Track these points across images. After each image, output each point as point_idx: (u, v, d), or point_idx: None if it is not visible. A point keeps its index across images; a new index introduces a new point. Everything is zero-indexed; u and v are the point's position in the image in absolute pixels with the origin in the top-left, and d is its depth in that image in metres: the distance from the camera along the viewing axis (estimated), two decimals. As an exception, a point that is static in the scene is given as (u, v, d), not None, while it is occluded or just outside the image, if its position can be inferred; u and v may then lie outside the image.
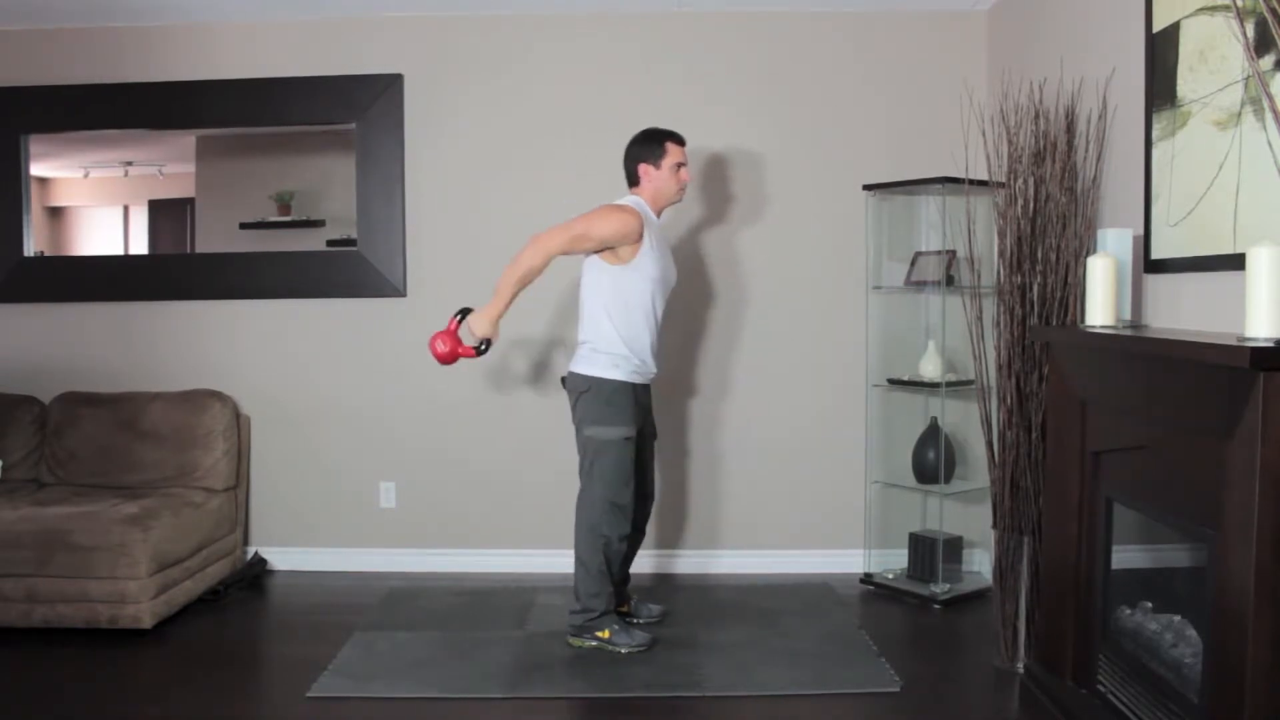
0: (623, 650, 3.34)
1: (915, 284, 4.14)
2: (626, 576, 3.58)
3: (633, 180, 3.45)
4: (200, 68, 4.30)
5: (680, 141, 3.45)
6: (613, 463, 3.33)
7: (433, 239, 4.34)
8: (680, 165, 3.43)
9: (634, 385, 3.38)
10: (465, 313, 3.43)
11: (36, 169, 4.47)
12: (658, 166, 3.40)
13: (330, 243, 4.44)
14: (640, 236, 3.30)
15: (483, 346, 3.41)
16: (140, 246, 4.64)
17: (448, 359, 3.37)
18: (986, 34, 4.23)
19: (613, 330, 3.32)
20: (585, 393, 3.34)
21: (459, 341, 3.38)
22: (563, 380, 3.47)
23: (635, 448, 3.40)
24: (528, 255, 3.27)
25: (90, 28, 4.31)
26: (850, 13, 4.23)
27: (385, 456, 4.39)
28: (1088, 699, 2.64)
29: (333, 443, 4.40)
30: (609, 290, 3.33)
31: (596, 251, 3.32)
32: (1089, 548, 2.71)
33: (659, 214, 3.47)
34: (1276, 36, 2.22)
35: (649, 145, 3.42)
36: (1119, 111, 3.04)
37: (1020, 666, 3.14)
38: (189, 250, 4.50)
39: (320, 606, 3.93)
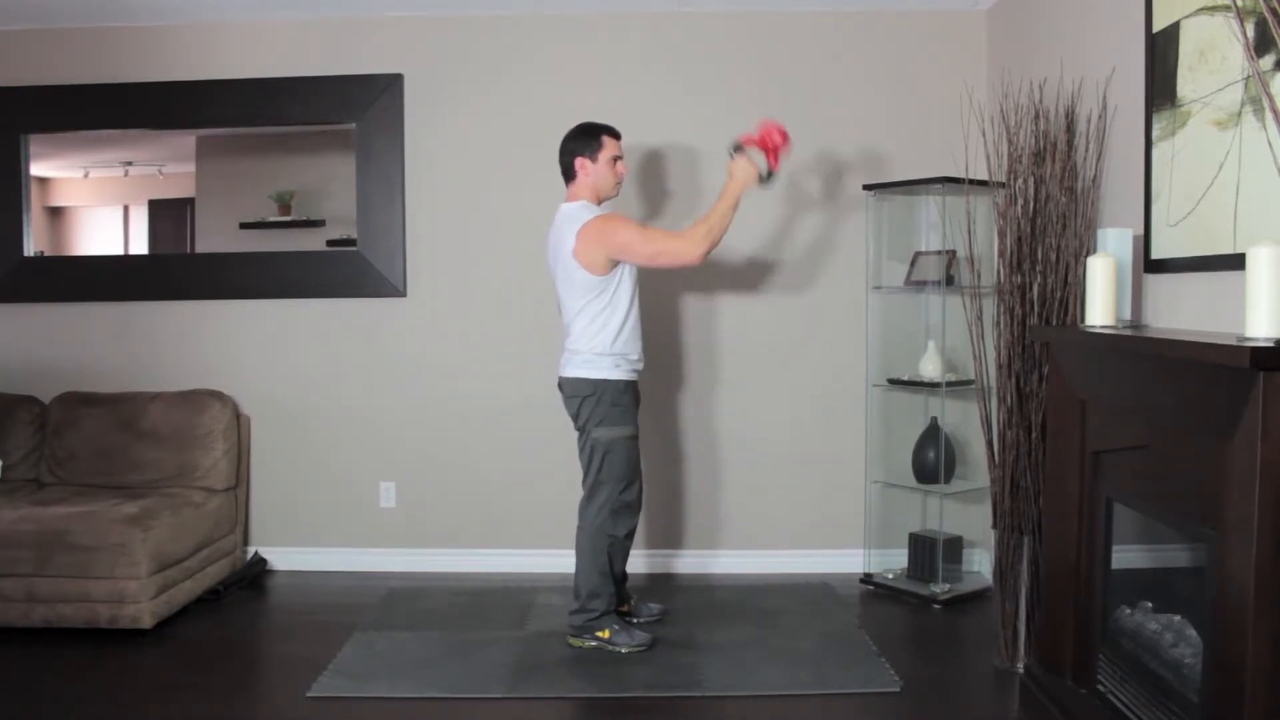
0: (623, 650, 3.34)
1: (915, 284, 4.14)
2: (624, 575, 3.58)
3: (569, 174, 3.44)
4: (200, 68, 4.30)
5: (616, 135, 3.45)
6: (620, 462, 3.36)
7: (433, 239, 4.34)
8: (617, 159, 3.43)
9: (633, 384, 3.41)
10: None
11: (36, 169, 4.47)
12: (594, 160, 3.40)
13: (330, 243, 4.44)
14: None
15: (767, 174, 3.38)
16: (140, 246, 4.64)
17: (780, 139, 3.35)
18: (986, 34, 4.23)
19: (611, 335, 3.34)
20: (589, 396, 3.35)
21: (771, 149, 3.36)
22: (559, 385, 3.46)
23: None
24: (697, 234, 3.30)
25: (90, 28, 4.31)
26: (850, 13, 4.23)
27: (385, 456, 4.39)
28: (1088, 699, 2.64)
29: (333, 443, 4.39)
30: (604, 298, 3.33)
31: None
32: (1089, 548, 2.71)
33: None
34: (1276, 36, 2.22)
35: (585, 139, 3.41)
36: (1119, 111, 3.04)
37: (1020, 666, 3.14)
38: (189, 250, 4.50)
39: (320, 606, 3.93)
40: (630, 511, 3.42)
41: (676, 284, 4.28)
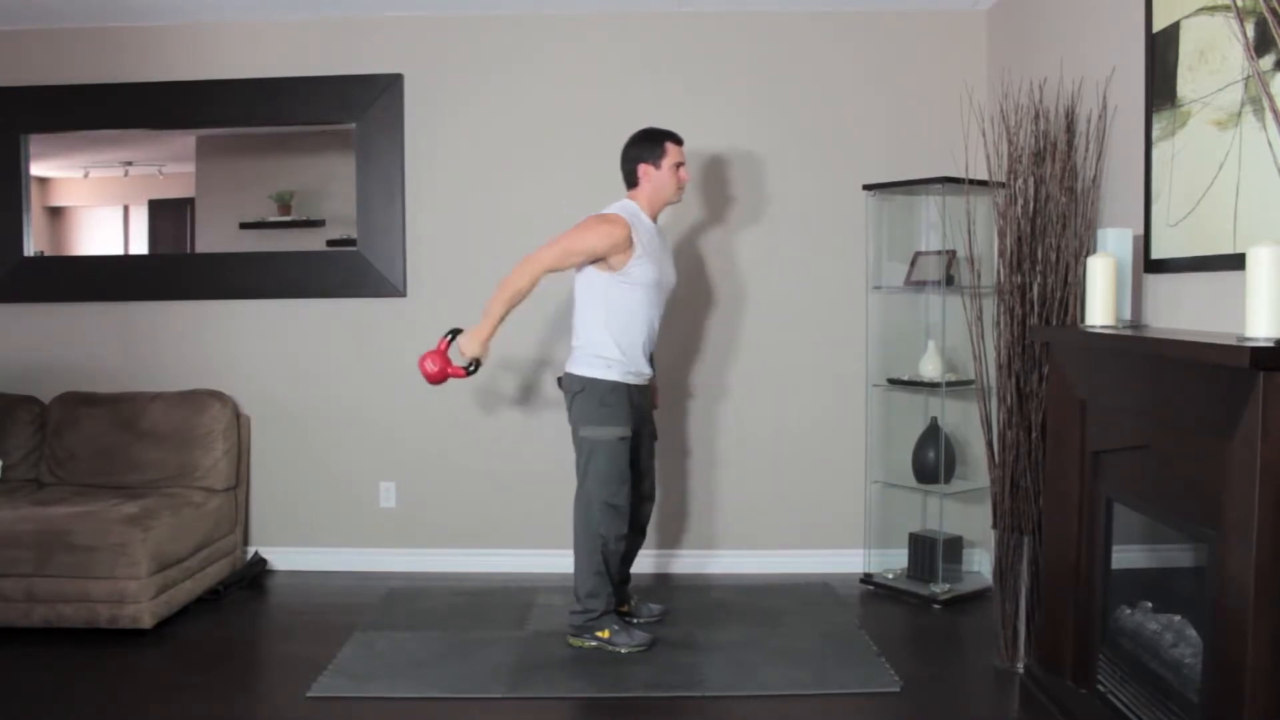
0: (623, 650, 3.34)
1: (915, 284, 4.14)
2: (627, 576, 3.58)
3: (631, 181, 3.45)
4: (200, 68, 4.30)
5: (679, 141, 3.45)
6: (607, 463, 3.33)
7: (433, 239, 4.34)
8: (679, 165, 3.43)
9: (628, 386, 3.39)
10: (455, 333, 3.43)
11: (36, 169, 4.47)
12: (658, 166, 3.40)
13: (330, 243, 4.44)
14: (630, 244, 3.30)
15: (471, 367, 3.38)
16: (140, 246, 4.64)
17: (437, 378, 3.38)
18: (986, 34, 4.23)
19: (607, 335, 3.33)
20: (580, 393, 3.35)
21: (448, 361, 3.37)
22: (559, 380, 3.47)
23: (632, 448, 3.40)
24: (516, 276, 3.28)
25: (90, 28, 4.31)
26: (850, 13, 4.23)
27: (385, 456, 4.39)
28: (1088, 699, 2.64)
29: (333, 443, 4.39)
30: (602, 297, 3.34)
31: (588, 263, 3.33)
32: (1089, 548, 2.71)
33: (656, 215, 3.46)
34: (1276, 36, 2.22)
35: (648, 145, 3.41)
36: (1119, 111, 3.04)
37: (1020, 666, 3.14)
38: (189, 250, 4.50)
39: (320, 606, 3.93)
40: (617, 514, 3.36)
41: (678, 285, 4.27)
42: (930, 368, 4.04)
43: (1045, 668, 2.86)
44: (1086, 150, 3.13)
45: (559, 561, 4.01)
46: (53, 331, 4.42)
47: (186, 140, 4.49)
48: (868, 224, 4.23)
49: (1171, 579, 2.48)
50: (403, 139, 4.28)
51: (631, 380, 3.40)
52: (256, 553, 4.38)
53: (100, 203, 4.69)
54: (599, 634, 3.37)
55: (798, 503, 4.33)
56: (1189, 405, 2.16)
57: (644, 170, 3.41)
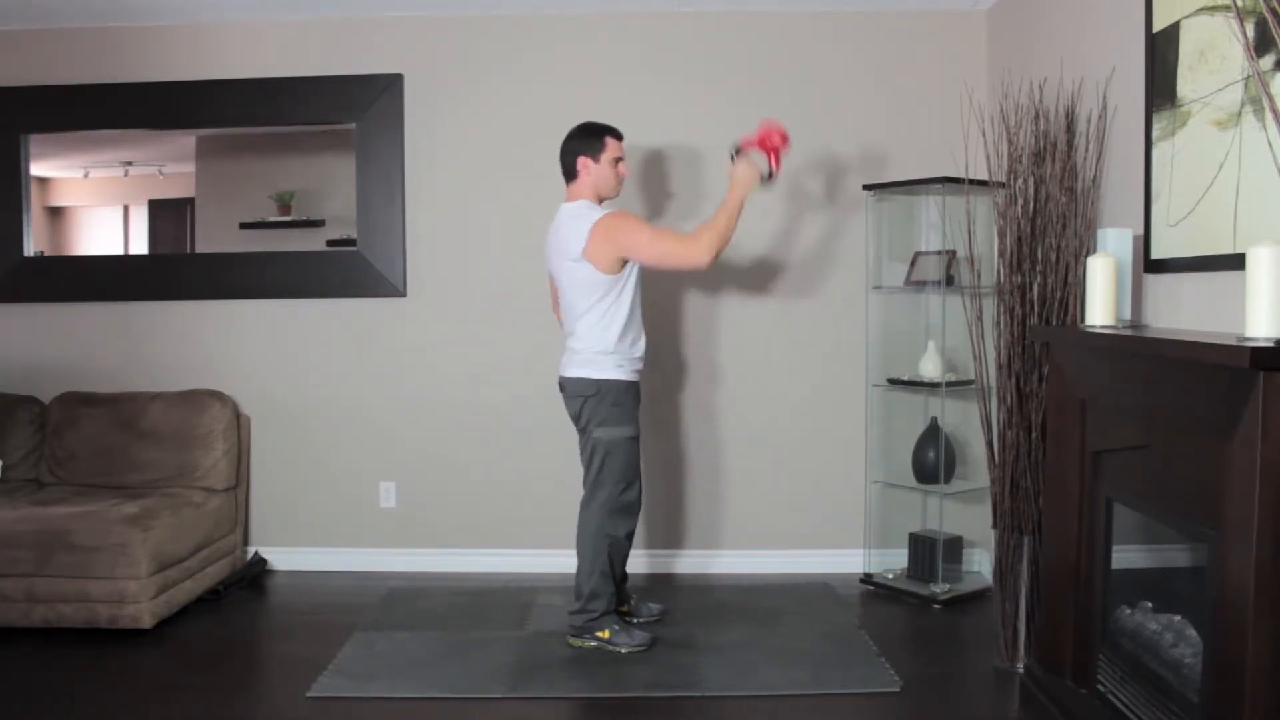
0: (623, 650, 3.34)
1: (915, 284, 4.14)
2: (625, 575, 3.58)
3: (570, 174, 3.44)
4: (200, 68, 4.30)
5: (619, 136, 3.46)
6: (622, 462, 3.36)
7: (433, 239, 4.34)
8: (618, 160, 3.44)
9: (635, 384, 3.41)
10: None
11: (36, 169, 4.47)
12: (597, 160, 3.40)
13: (330, 243, 4.44)
14: None
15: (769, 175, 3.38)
16: (140, 246, 4.63)
17: (779, 141, 3.35)
18: (986, 34, 4.23)
19: (616, 334, 3.33)
20: (592, 396, 3.35)
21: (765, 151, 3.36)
22: (560, 384, 3.46)
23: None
24: (702, 243, 3.28)
25: (90, 28, 4.31)
26: (850, 13, 4.23)
27: (385, 456, 4.39)
28: (1088, 699, 2.64)
29: (333, 443, 4.39)
30: (610, 297, 3.33)
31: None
32: (1089, 548, 2.71)
33: None
34: (1276, 36, 2.22)
35: (588, 139, 3.41)
36: (1119, 111, 3.04)
37: (1020, 666, 3.14)
38: (189, 250, 4.50)
39: (320, 606, 3.93)
40: (630, 512, 3.42)
41: (677, 283, 4.28)
42: (930, 368, 4.03)
43: (1045, 668, 2.86)
44: (1086, 150, 3.13)
45: (559, 561, 4.01)
46: (53, 331, 4.42)
47: (186, 140, 4.49)
48: (868, 224, 4.23)
49: (1171, 579, 2.48)
50: (403, 139, 4.28)
51: (636, 378, 3.43)
52: (256, 553, 4.38)
53: (100, 203, 4.69)
54: (599, 634, 3.37)
55: (798, 503, 4.33)
56: (1189, 405, 2.16)
57: (583, 163, 3.40)
